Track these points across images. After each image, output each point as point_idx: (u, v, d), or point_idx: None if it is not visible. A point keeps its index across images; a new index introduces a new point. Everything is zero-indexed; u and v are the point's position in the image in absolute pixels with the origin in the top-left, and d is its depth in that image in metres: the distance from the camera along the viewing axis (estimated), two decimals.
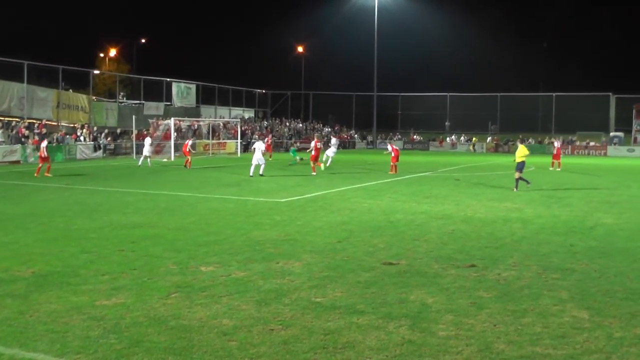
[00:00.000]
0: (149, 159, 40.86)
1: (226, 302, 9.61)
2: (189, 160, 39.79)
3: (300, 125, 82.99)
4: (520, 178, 26.72)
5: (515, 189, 26.39)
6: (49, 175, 31.05)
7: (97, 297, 9.75)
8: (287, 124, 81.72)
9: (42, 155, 32.00)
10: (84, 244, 14.00)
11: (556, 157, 42.47)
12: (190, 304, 9.47)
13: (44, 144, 32.98)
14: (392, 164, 35.95)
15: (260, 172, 32.09)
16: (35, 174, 31.21)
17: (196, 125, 61.63)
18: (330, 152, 41.88)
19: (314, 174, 33.59)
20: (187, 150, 40.35)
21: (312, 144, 37.22)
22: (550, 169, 41.58)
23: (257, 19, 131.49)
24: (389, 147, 37.08)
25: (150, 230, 15.81)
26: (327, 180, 30.43)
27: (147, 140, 42.37)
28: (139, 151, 51.41)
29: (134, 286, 10.44)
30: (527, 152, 27.38)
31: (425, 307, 9.51)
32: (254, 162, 32.15)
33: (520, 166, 26.75)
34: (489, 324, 8.75)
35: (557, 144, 44.04)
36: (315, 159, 35.40)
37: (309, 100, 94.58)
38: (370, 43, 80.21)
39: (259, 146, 33.02)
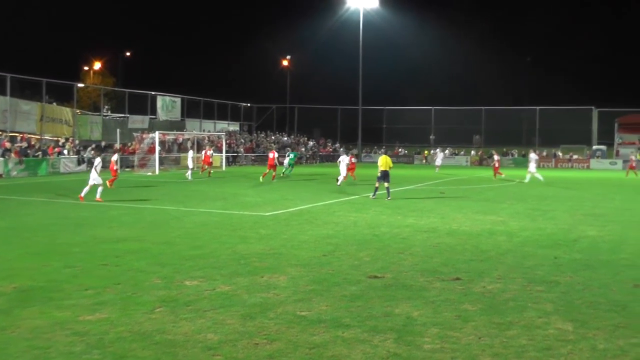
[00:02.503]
0: (190, 172, 41.77)
1: (211, 316, 9.57)
2: (210, 171, 44.65)
3: (285, 138, 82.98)
4: (377, 188, 28.43)
5: (372, 196, 28.18)
6: (112, 187, 32.04)
7: (81, 312, 9.69)
8: (272, 137, 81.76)
9: (113, 168, 33.61)
10: (67, 258, 13.92)
11: (496, 169, 45.62)
12: (175, 319, 9.42)
13: (115, 157, 34.85)
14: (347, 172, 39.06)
15: (338, 183, 35.47)
16: (110, 186, 32.28)
17: (181, 139, 61.52)
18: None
19: (273, 180, 38.71)
20: (210, 160, 44.89)
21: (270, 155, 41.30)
22: (494, 178, 44.40)
23: (242, 32, 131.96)
24: (347, 159, 39.51)
25: (134, 245, 15.74)
26: (312, 194, 30.44)
27: (190, 154, 43.32)
28: (123, 164, 51.34)
29: (118, 301, 10.38)
30: (390, 163, 28.83)
31: (410, 320, 9.50)
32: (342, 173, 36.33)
33: (383, 175, 28.10)
34: (474, 337, 8.76)
35: (496, 157, 47.34)
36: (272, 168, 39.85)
37: (294, 113, 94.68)
38: (355, 57, 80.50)
39: (344, 159, 37.25)
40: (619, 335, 8.90)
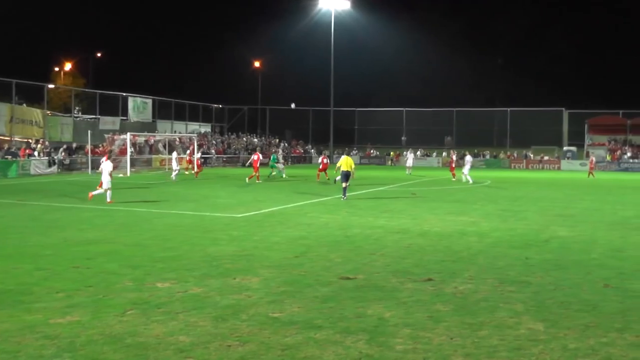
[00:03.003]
0: (174, 173, 42.46)
1: (183, 318, 9.53)
2: (196, 171, 46.14)
3: (256, 140, 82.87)
4: (345, 189, 28.81)
5: (343, 198, 28.50)
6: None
7: (52, 315, 9.60)
8: (244, 139, 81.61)
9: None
10: (38, 261, 13.79)
11: (452, 169, 45.76)
12: (147, 321, 9.36)
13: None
14: (318, 172, 42.35)
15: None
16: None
17: (152, 140, 61.19)
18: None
19: (248, 181, 39.49)
20: (199, 162, 47.10)
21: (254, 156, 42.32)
22: (453, 180, 44.28)
23: (214, 33, 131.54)
24: (320, 159, 41.56)
25: (106, 247, 15.63)
26: (284, 195, 30.42)
27: (174, 155, 44.17)
28: (95, 166, 50.94)
29: (89, 303, 10.30)
30: (352, 163, 29.42)
31: (382, 321, 9.52)
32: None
33: (345, 175, 28.77)
34: (446, 337, 8.79)
35: (454, 157, 47.65)
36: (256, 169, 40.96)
37: (266, 115, 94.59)
38: (327, 58, 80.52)
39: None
40: (589, 335, 8.98)
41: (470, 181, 41.58)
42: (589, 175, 53.19)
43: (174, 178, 41.55)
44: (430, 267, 13.62)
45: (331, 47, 78.67)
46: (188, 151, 51.25)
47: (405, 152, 76.70)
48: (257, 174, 40.35)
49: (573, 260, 14.51)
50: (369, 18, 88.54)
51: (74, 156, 53.77)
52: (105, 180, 26.30)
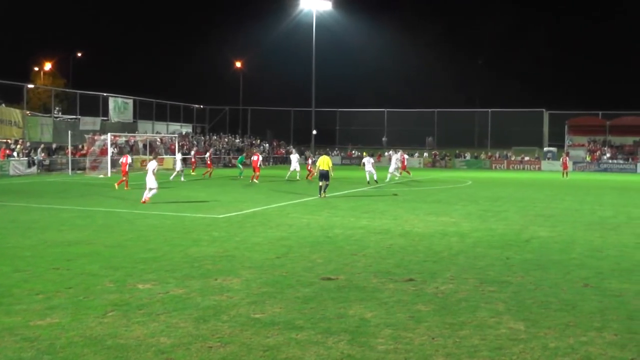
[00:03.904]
0: (174, 174, 43.10)
1: (164, 319, 9.49)
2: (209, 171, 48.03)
3: (237, 140, 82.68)
4: (322, 187, 29.78)
5: (321, 195, 29.49)
6: (127, 189, 32.91)
7: (31, 317, 9.52)
8: (226, 139, 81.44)
9: (125, 170, 34.04)
10: (17, 262, 13.68)
11: (403, 167, 48.53)
12: (127, 323, 9.31)
13: (128, 159, 35.06)
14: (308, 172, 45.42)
15: (376, 180, 39.47)
16: (116, 185, 33.90)
17: (133, 141, 60.94)
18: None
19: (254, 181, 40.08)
20: (210, 162, 49.52)
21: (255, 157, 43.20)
22: (409, 176, 47.94)
23: (195, 33, 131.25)
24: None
25: (86, 248, 15.54)
26: (265, 196, 30.39)
27: (178, 156, 44.88)
28: (75, 167, 50.73)
29: (69, 305, 10.23)
30: (330, 163, 30.70)
31: (364, 321, 9.53)
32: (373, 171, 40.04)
33: (323, 174, 29.90)
34: (427, 337, 8.81)
35: (405, 156, 51.55)
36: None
37: (247, 115, 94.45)
38: (308, 59, 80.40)
39: (369, 161, 40.82)
40: (569, 334, 9.03)
41: (397, 176, 45.28)
42: (563, 174, 53.46)
43: (181, 179, 42.17)
44: (412, 267, 13.65)
45: (313, 47, 78.60)
46: (193, 152, 51.90)
47: (387, 153, 76.94)
48: (257, 174, 40.83)
49: (553, 260, 14.59)
50: (350, 19, 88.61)
51: (54, 157, 53.41)
52: (150, 179, 26.41)
